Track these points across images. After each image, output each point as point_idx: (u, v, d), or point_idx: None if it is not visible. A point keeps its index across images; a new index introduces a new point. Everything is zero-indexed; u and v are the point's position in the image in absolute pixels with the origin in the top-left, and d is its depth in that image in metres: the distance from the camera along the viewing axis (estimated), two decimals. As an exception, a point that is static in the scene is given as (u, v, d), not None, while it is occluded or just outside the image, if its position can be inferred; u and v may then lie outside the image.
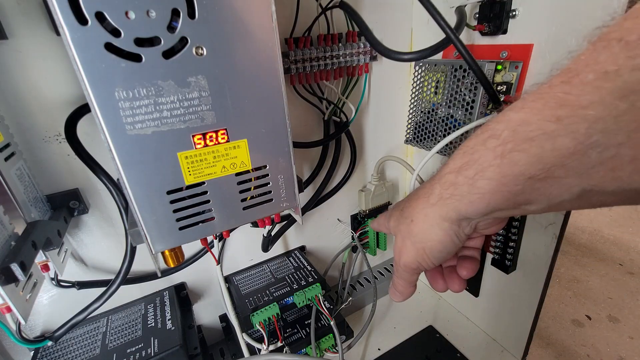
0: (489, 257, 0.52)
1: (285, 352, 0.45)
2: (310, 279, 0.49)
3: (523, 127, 0.19)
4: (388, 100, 0.57)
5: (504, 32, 0.41)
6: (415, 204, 0.26)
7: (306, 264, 0.53)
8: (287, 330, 0.49)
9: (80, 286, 0.41)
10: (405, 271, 0.28)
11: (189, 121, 0.26)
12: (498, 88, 0.41)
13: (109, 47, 0.22)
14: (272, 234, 0.51)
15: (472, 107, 0.41)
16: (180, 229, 0.29)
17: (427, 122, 0.48)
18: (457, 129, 0.41)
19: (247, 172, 0.30)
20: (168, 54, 0.24)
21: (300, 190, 0.35)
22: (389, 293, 0.32)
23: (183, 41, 0.24)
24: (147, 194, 0.26)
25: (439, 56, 0.49)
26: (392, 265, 0.72)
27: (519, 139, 0.19)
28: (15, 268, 0.25)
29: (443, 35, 0.35)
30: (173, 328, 0.41)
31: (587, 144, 0.16)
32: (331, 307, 0.49)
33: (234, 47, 0.26)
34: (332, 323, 0.48)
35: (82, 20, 0.21)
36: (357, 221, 0.63)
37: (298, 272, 0.51)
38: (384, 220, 0.32)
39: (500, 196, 0.20)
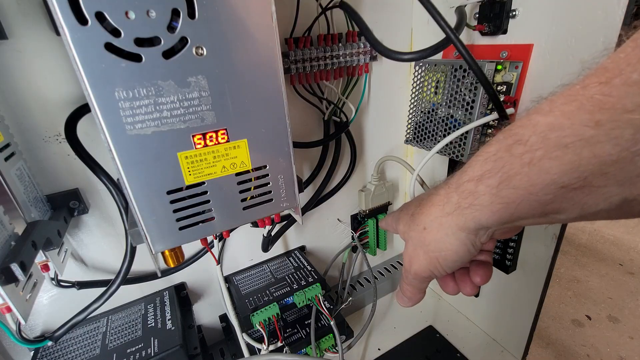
0: (489, 257, 0.52)
1: (285, 352, 0.45)
2: (310, 279, 0.49)
3: (554, 132, 0.17)
4: (388, 100, 0.57)
5: (504, 32, 0.41)
6: (427, 211, 0.25)
7: (306, 264, 0.53)
8: (287, 330, 0.49)
9: (80, 286, 0.41)
10: (415, 279, 0.27)
11: (189, 121, 0.26)
12: (498, 88, 0.41)
13: (109, 47, 0.22)
14: (272, 234, 0.51)
15: (472, 107, 0.41)
16: (180, 229, 0.29)
17: (427, 122, 0.48)
18: (457, 129, 0.41)
19: (247, 172, 0.30)
20: (168, 54, 0.24)
21: (300, 190, 0.35)
22: (396, 298, 0.31)
23: (183, 41, 0.24)
24: (147, 194, 0.26)
25: (439, 56, 0.49)
26: (392, 265, 0.72)
27: (549, 145, 0.17)
28: (15, 268, 0.25)
29: (443, 35, 0.35)
30: (173, 328, 0.41)
31: (633, 150, 0.15)
32: (331, 307, 0.49)
33: (234, 47, 0.26)
34: (332, 323, 0.48)
35: (82, 20, 0.21)
36: (357, 221, 0.63)
37: (298, 272, 0.51)
38: (392, 221, 0.31)
39: (527, 205, 0.19)
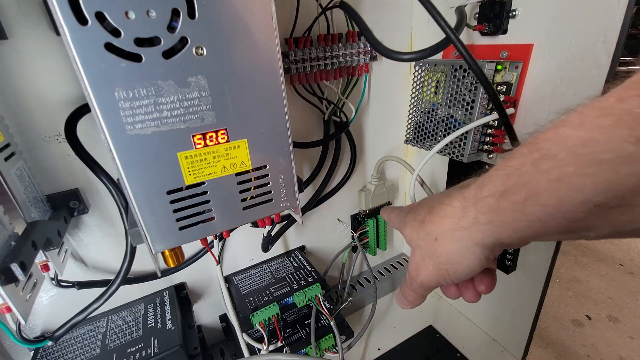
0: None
1: (285, 352, 0.45)
2: (310, 279, 0.49)
3: (587, 147, 0.16)
4: (388, 100, 0.57)
5: (504, 32, 0.41)
6: (439, 221, 0.24)
7: (306, 264, 0.53)
8: (287, 330, 0.49)
9: (80, 286, 0.41)
10: (421, 287, 0.27)
11: (189, 121, 0.26)
12: (498, 88, 0.41)
13: (109, 47, 0.22)
14: (272, 234, 0.51)
15: (472, 107, 0.41)
16: (180, 229, 0.29)
17: (427, 122, 0.48)
18: (457, 129, 0.41)
19: (247, 172, 0.30)
20: (168, 54, 0.24)
21: (300, 190, 0.35)
22: (397, 300, 0.31)
23: (183, 41, 0.24)
24: (147, 194, 0.26)
25: (439, 56, 0.49)
26: (392, 265, 0.72)
27: (582, 162, 0.16)
28: (15, 268, 0.25)
29: (443, 35, 0.35)
30: (173, 328, 0.41)
31: None
32: (331, 307, 0.49)
33: (234, 47, 0.26)
34: (332, 323, 0.48)
35: (82, 20, 0.21)
36: (357, 221, 0.63)
37: (298, 272, 0.51)
38: (396, 219, 0.31)
39: (555, 223, 0.18)
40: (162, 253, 0.31)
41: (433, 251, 0.24)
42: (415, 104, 0.49)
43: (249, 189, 0.31)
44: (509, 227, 0.20)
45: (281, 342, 0.46)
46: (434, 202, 0.26)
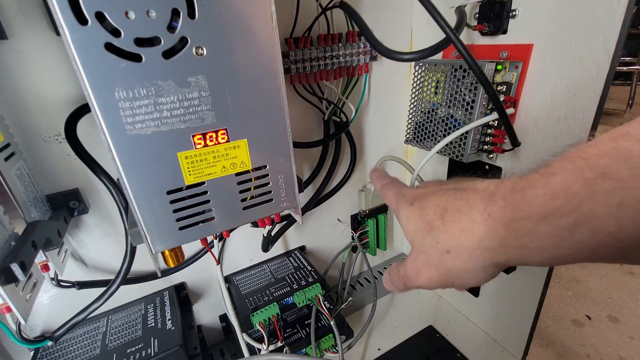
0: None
1: (285, 352, 0.45)
2: (310, 279, 0.49)
3: None
4: (388, 100, 0.57)
5: (504, 32, 0.41)
6: (455, 234, 0.21)
7: (306, 264, 0.53)
8: (287, 330, 0.49)
9: (80, 286, 0.41)
10: (416, 287, 0.25)
11: (189, 121, 0.26)
12: (498, 88, 0.41)
13: (109, 47, 0.22)
14: (272, 234, 0.51)
15: (472, 107, 0.41)
16: (180, 229, 0.29)
17: (427, 122, 0.48)
18: (457, 129, 0.41)
19: (247, 172, 0.30)
20: (168, 54, 0.24)
21: (300, 190, 0.35)
22: (383, 281, 0.28)
23: (183, 41, 0.24)
24: (147, 194, 0.26)
25: (439, 56, 0.49)
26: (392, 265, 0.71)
27: None
28: (15, 268, 0.25)
29: (443, 35, 0.35)
30: (173, 328, 0.41)
31: None
32: (331, 307, 0.49)
33: (234, 47, 0.26)
34: (332, 323, 0.48)
35: (82, 20, 0.21)
36: (357, 221, 0.63)
37: (298, 272, 0.51)
38: (393, 202, 0.27)
39: (607, 252, 0.15)
40: (162, 253, 0.31)
41: (442, 263, 0.22)
42: (415, 104, 0.49)
43: (249, 189, 0.31)
44: (547, 252, 0.17)
45: (281, 342, 0.46)
46: (446, 202, 0.22)
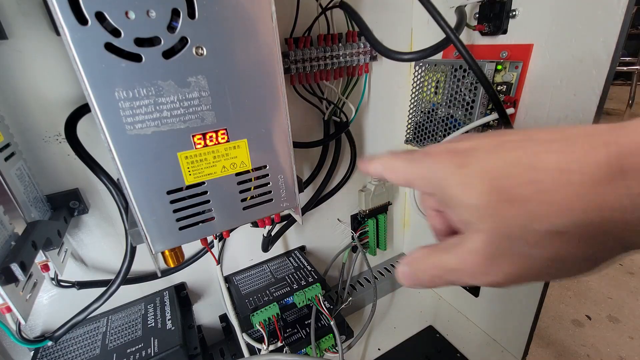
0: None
1: (285, 352, 0.45)
2: (310, 279, 0.49)
3: None
4: (388, 100, 0.57)
5: (504, 32, 0.41)
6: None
7: (306, 264, 0.53)
8: (287, 330, 0.49)
9: (80, 286, 0.41)
10: (466, 285, 0.18)
11: (189, 121, 0.26)
12: (498, 88, 0.41)
13: (109, 47, 0.22)
14: (272, 234, 0.51)
15: (472, 107, 0.41)
16: (180, 229, 0.29)
17: (427, 122, 0.48)
18: (457, 129, 0.41)
19: (247, 172, 0.30)
20: (168, 54, 0.24)
21: (300, 190, 0.35)
22: (400, 274, 0.18)
23: (183, 41, 0.24)
24: (147, 194, 0.26)
25: (439, 56, 0.49)
26: (392, 265, 0.71)
27: None
28: (15, 268, 0.25)
29: (443, 35, 0.35)
30: (173, 328, 0.41)
31: None
32: (331, 307, 0.49)
33: (234, 47, 0.26)
34: (332, 323, 0.48)
35: (82, 20, 0.21)
36: (357, 221, 0.63)
37: (298, 272, 0.51)
38: (441, 167, 0.16)
39: None
40: (162, 253, 0.31)
41: (544, 247, 0.14)
42: (415, 104, 0.49)
43: (249, 189, 0.31)
44: None
45: (281, 342, 0.46)
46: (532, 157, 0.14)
